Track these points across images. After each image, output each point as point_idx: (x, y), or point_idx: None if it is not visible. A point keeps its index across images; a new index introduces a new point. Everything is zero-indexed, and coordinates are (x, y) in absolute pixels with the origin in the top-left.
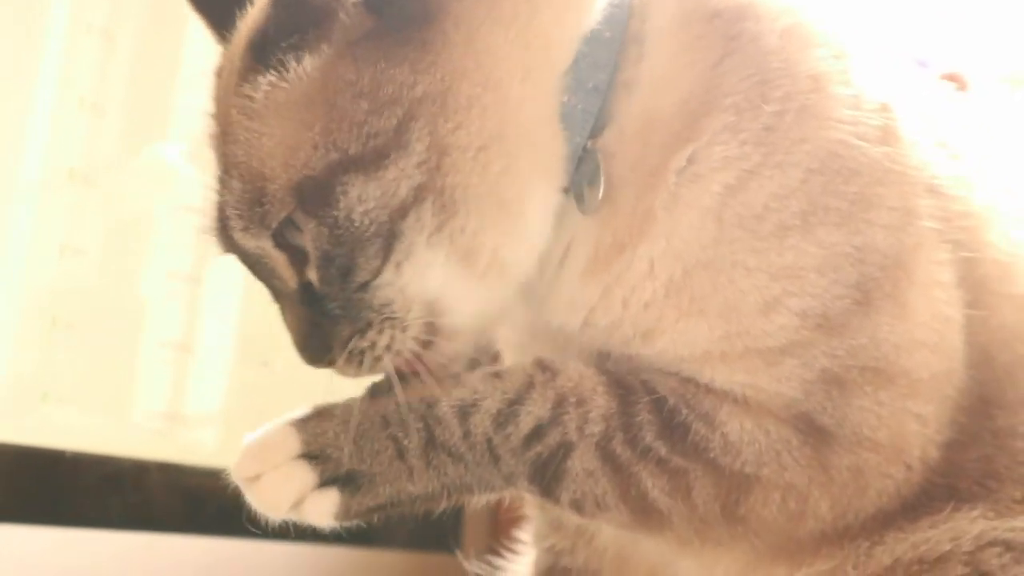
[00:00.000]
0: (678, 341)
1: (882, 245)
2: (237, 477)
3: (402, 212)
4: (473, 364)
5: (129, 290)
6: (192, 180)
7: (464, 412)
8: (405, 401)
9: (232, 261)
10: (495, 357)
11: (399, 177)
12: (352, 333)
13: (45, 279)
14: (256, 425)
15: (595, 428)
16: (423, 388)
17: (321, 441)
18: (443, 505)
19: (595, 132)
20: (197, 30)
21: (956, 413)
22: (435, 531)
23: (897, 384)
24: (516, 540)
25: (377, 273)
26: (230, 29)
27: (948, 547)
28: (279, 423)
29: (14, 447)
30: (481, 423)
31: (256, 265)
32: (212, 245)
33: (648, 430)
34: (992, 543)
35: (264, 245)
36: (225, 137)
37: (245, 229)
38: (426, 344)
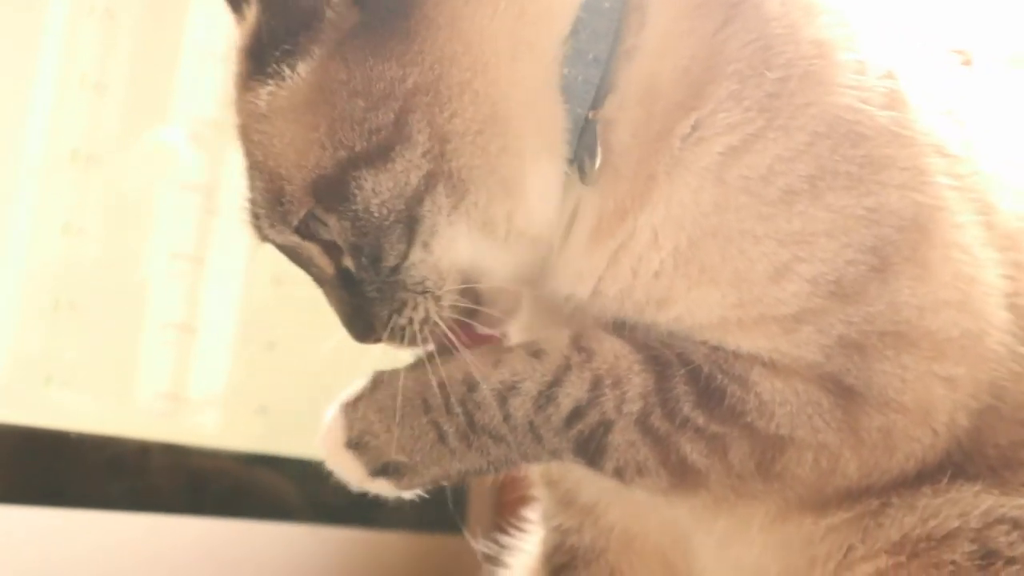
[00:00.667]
0: (693, 310)
1: (897, 206)
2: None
3: (417, 199)
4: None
5: (132, 271)
6: (194, 161)
7: (503, 395)
8: (444, 380)
9: (235, 243)
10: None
11: (408, 168)
12: (391, 313)
13: (48, 260)
14: (260, 407)
15: (633, 407)
16: (462, 364)
17: (362, 429)
18: (493, 474)
19: (597, 102)
20: (199, 10)
21: (998, 377)
22: (439, 512)
23: (920, 347)
24: (521, 519)
25: (405, 256)
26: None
27: (956, 524)
28: (338, 402)
29: (18, 428)
30: (522, 406)
31: (293, 255)
32: (243, 233)
33: (685, 401)
34: (1000, 520)
35: (294, 239)
36: (244, 133)
37: (272, 226)
38: (469, 312)
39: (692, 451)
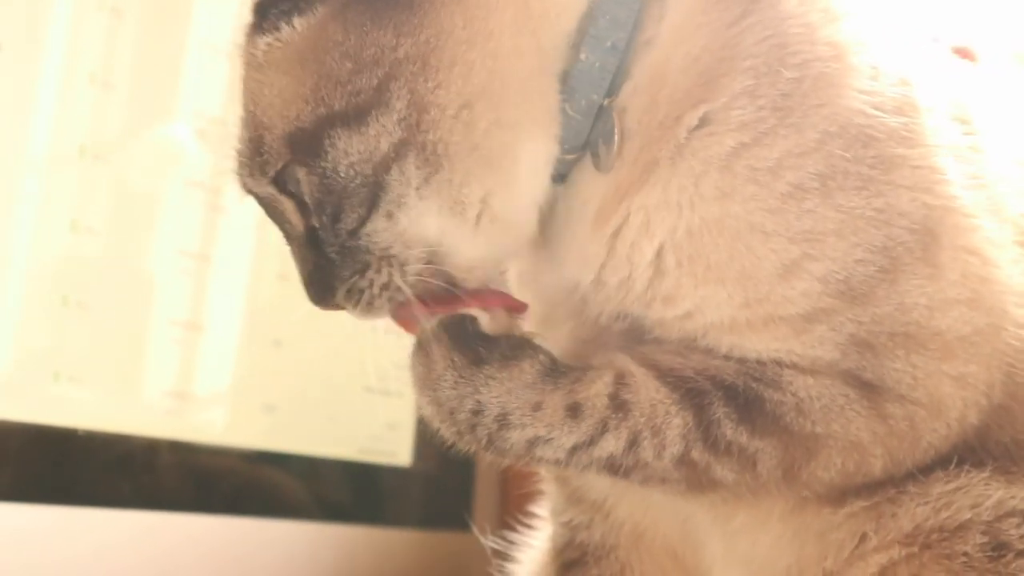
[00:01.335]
0: (702, 308)
1: (907, 208)
2: None
3: (385, 166)
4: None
5: (140, 268)
6: (200, 158)
7: (533, 444)
8: (480, 406)
9: (241, 240)
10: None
11: (380, 133)
12: (352, 273)
13: (57, 257)
14: (267, 404)
15: (673, 449)
16: (502, 395)
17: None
18: None
19: (613, 90)
20: (204, 7)
21: (1014, 374)
22: (446, 509)
23: (929, 348)
24: (527, 515)
25: (363, 221)
26: None
27: (968, 515)
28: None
29: (26, 426)
30: (552, 453)
31: (268, 208)
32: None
33: (727, 424)
34: (1011, 513)
35: (271, 191)
36: (243, 83)
37: (251, 175)
38: (430, 280)
39: (722, 470)
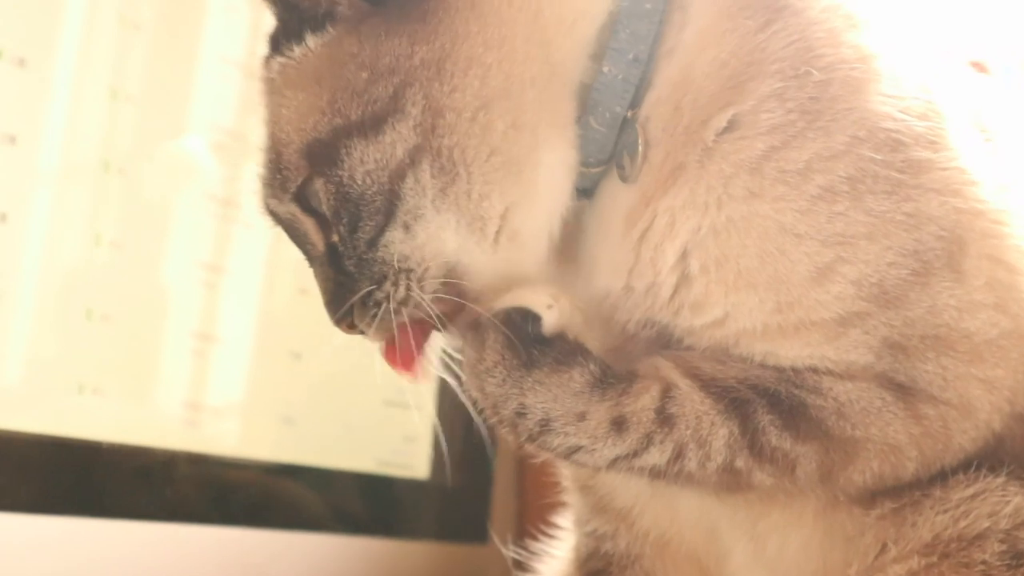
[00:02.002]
0: (733, 315)
1: (936, 212)
2: None
3: (400, 174)
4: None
5: (160, 281)
6: (215, 171)
7: (575, 450)
8: (524, 407)
9: (260, 253)
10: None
11: (395, 140)
12: (369, 285)
13: (79, 270)
14: (285, 417)
15: (718, 459)
16: (546, 399)
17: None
18: None
19: (636, 102)
20: (218, 20)
21: None
22: (463, 522)
23: (958, 350)
24: (546, 528)
25: (380, 231)
26: None
27: (986, 524)
28: None
29: (50, 439)
30: (593, 462)
31: (290, 230)
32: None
33: (771, 430)
34: None
35: (292, 210)
36: (264, 108)
37: (272, 195)
38: (448, 304)
39: (762, 475)
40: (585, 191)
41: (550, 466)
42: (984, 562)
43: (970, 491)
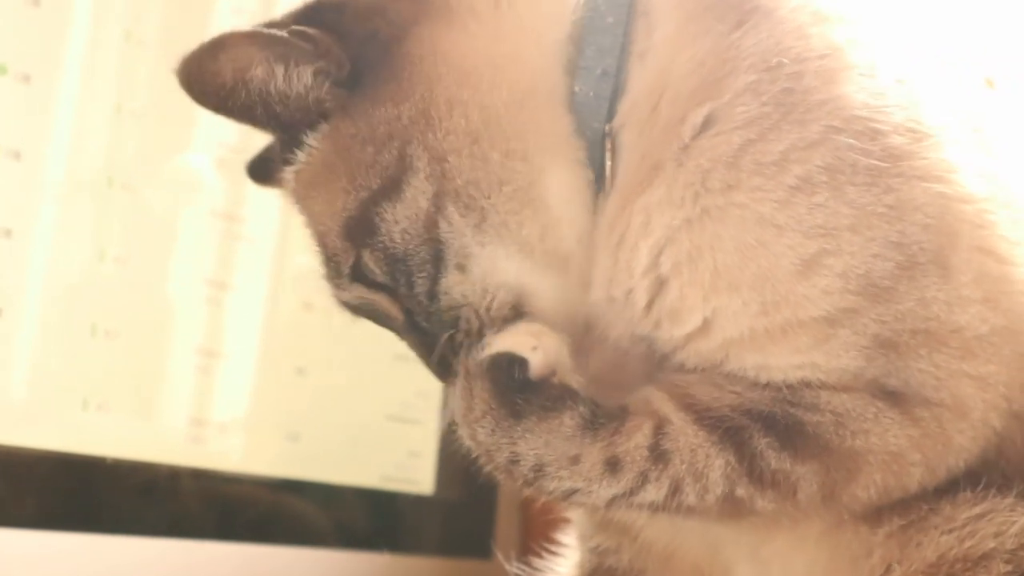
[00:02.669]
0: (717, 320)
1: (921, 199)
2: None
3: (432, 221)
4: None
5: (164, 297)
6: (220, 187)
7: (571, 493)
8: (516, 455)
9: (264, 269)
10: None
11: (416, 194)
12: (447, 331)
13: (84, 286)
14: (291, 433)
15: (717, 491)
16: (538, 446)
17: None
18: None
19: (611, 114)
20: None
21: None
22: (468, 537)
23: (950, 345)
24: (550, 544)
25: (435, 280)
26: None
27: (992, 544)
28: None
29: (54, 454)
30: (591, 502)
31: (370, 314)
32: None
33: (769, 453)
34: None
35: (360, 292)
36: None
37: (337, 287)
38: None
39: (764, 501)
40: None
41: None
42: None
43: (977, 510)
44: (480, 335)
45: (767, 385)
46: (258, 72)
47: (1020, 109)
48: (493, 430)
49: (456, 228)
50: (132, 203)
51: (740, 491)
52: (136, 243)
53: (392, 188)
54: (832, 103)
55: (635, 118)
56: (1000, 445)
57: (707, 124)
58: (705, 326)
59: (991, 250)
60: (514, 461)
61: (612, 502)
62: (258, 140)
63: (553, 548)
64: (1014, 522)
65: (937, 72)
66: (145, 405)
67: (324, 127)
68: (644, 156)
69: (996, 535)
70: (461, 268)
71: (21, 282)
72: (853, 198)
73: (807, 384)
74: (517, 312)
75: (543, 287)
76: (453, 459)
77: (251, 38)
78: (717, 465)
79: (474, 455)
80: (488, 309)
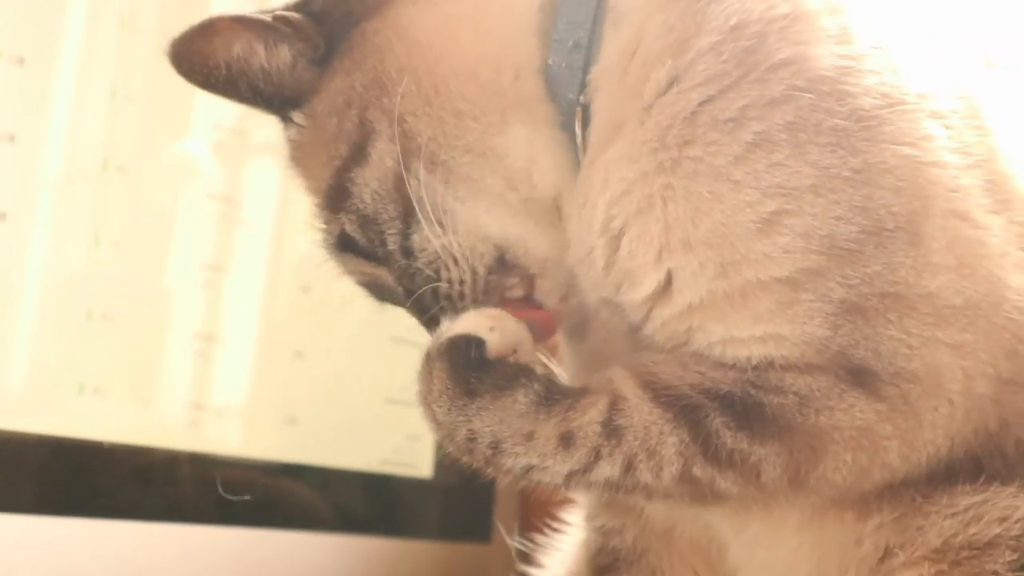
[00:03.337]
0: (676, 286)
1: (892, 162)
2: None
3: (399, 179)
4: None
5: (160, 281)
6: (217, 171)
7: (528, 470)
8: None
9: (262, 252)
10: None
11: (382, 156)
12: (427, 283)
13: (80, 271)
14: (289, 416)
15: (672, 469)
16: (493, 423)
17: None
18: None
19: (584, 84)
20: None
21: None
22: (466, 521)
23: (920, 311)
24: (550, 523)
25: (405, 235)
26: None
27: (997, 531)
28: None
29: (52, 439)
30: (549, 479)
31: (374, 290)
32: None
33: (725, 433)
34: None
35: (360, 267)
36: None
37: (339, 262)
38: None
39: (725, 483)
40: None
41: None
42: (995, 572)
43: (979, 498)
44: (474, 291)
45: (733, 366)
46: (240, 50)
47: (1018, 90)
48: (449, 409)
49: (427, 184)
50: (128, 187)
51: (697, 471)
52: (133, 227)
53: (359, 153)
54: (797, 64)
55: (606, 84)
56: (1004, 415)
57: (670, 83)
58: (665, 290)
59: (966, 215)
60: (472, 439)
61: (569, 478)
62: (255, 125)
63: (554, 527)
64: (1018, 507)
65: (927, 47)
66: (143, 390)
67: (306, 106)
68: (610, 117)
69: (1001, 520)
70: (442, 224)
71: (17, 267)
72: (816, 159)
73: (771, 364)
74: (503, 263)
75: (530, 236)
76: (451, 456)
77: (236, 20)
78: (670, 443)
79: (436, 435)
80: (473, 262)
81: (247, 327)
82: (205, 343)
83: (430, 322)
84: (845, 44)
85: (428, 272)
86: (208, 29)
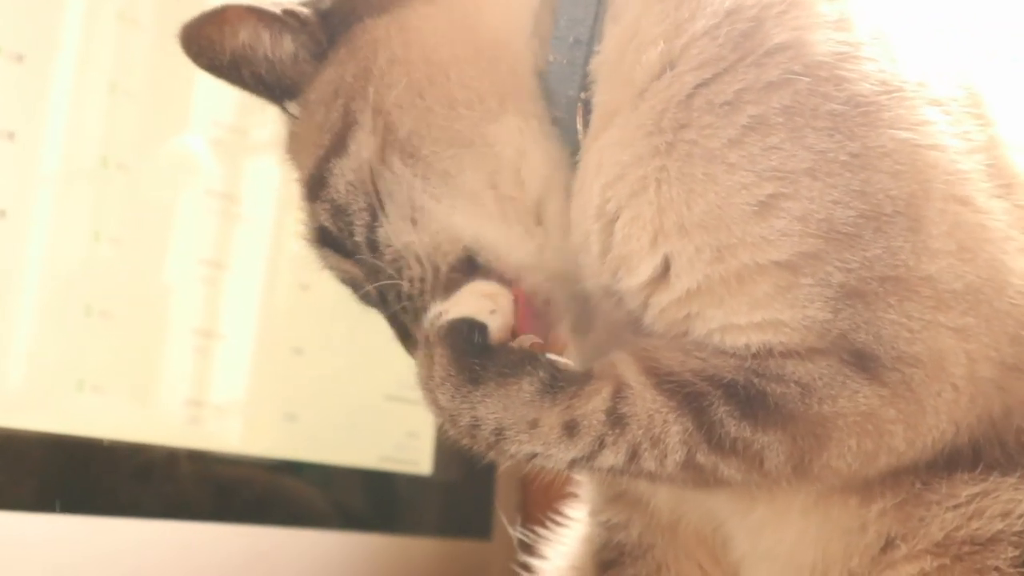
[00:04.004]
0: (674, 271)
1: (890, 146)
2: None
3: (374, 172)
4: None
5: (160, 278)
6: (216, 167)
7: (532, 456)
8: (478, 419)
9: (261, 249)
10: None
11: (360, 147)
12: (394, 281)
13: (79, 267)
14: (288, 413)
15: (676, 456)
16: (497, 410)
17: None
18: None
19: (585, 79)
20: None
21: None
22: (466, 518)
23: (921, 294)
24: (553, 517)
25: (372, 228)
26: None
27: (1000, 526)
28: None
29: (51, 436)
30: (553, 465)
31: (352, 288)
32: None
33: (729, 422)
34: None
35: (337, 263)
36: None
37: (319, 256)
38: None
39: (728, 470)
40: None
41: None
42: (997, 568)
43: (979, 488)
44: (433, 290)
45: (733, 354)
46: (246, 38)
47: (1019, 80)
48: (453, 396)
49: (402, 178)
50: (128, 183)
51: (701, 458)
52: (132, 224)
53: (339, 144)
54: (794, 48)
55: (603, 75)
56: (1007, 402)
57: (663, 67)
58: (663, 276)
59: (967, 199)
60: (475, 425)
61: (572, 464)
62: (254, 122)
63: (556, 521)
64: (1020, 502)
65: (927, 35)
66: (142, 386)
67: (301, 97)
68: (606, 105)
69: (1004, 515)
70: (414, 222)
71: (16, 264)
72: (812, 143)
73: (771, 352)
74: (473, 265)
75: (504, 241)
76: (452, 439)
77: (247, 9)
78: (674, 431)
79: (437, 420)
80: (436, 260)
81: (246, 324)
82: (204, 340)
83: (393, 321)
84: (843, 31)
85: (390, 271)
86: (219, 16)
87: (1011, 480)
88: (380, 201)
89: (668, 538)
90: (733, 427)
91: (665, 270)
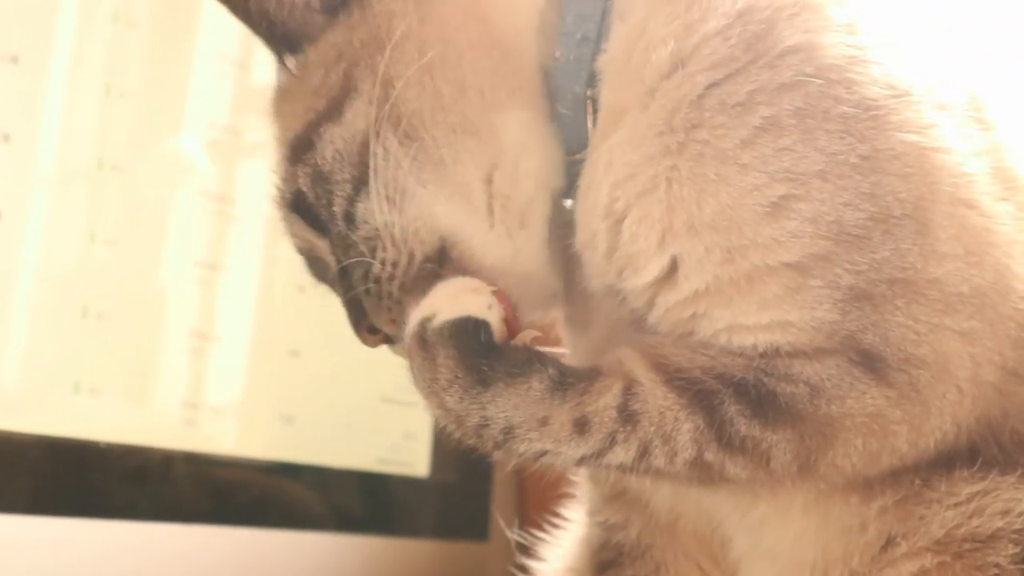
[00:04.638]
0: (682, 271)
1: (898, 150)
2: None
3: (365, 144)
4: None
5: (156, 280)
6: (211, 168)
7: (541, 454)
8: (486, 419)
9: (257, 250)
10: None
11: (355, 116)
12: (366, 264)
13: (75, 269)
14: (284, 415)
15: (685, 454)
16: (507, 409)
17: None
18: None
19: (592, 77)
20: (213, 16)
21: None
22: (463, 520)
23: (928, 297)
24: (550, 518)
25: (352, 201)
26: None
27: (999, 524)
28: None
29: (46, 439)
30: (561, 463)
31: (309, 261)
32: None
33: (740, 421)
34: None
35: (303, 232)
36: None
37: (284, 221)
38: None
39: (735, 468)
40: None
41: None
42: (998, 565)
43: (979, 487)
44: (404, 276)
45: (740, 353)
46: None
47: (1018, 82)
48: (461, 398)
49: (393, 156)
50: (123, 185)
51: (709, 456)
52: (127, 225)
53: (334, 110)
54: (806, 51)
55: (611, 73)
56: (1005, 405)
57: (674, 67)
58: (670, 276)
59: (973, 203)
60: (483, 425)
61: (581, 462)
62: (249, 122)
63: (553, 523)
64: (1020, 500)
65: (932, 40)
66: (138, 388)
67: (301, 54)
68: (614, 103)
69: (1004, 513)
70: (392, 202)
71: (12, 265)
72: (824, 145)
73: (778, 351)
74: (442, 257)
75: (482, 239)
76: (448, 441)
77: None
78: (686, 429)
79: (441, 422)
80: (412, 246)
81: (242, 325)
82: (200, 341)
83: (351, 302)
84: (853, 35)
85: (363, 248)
86: None
87: (1011, 479)
88: (365, 175)
89: (667, 538)
90: (743, 426)
91: (672, 270)
